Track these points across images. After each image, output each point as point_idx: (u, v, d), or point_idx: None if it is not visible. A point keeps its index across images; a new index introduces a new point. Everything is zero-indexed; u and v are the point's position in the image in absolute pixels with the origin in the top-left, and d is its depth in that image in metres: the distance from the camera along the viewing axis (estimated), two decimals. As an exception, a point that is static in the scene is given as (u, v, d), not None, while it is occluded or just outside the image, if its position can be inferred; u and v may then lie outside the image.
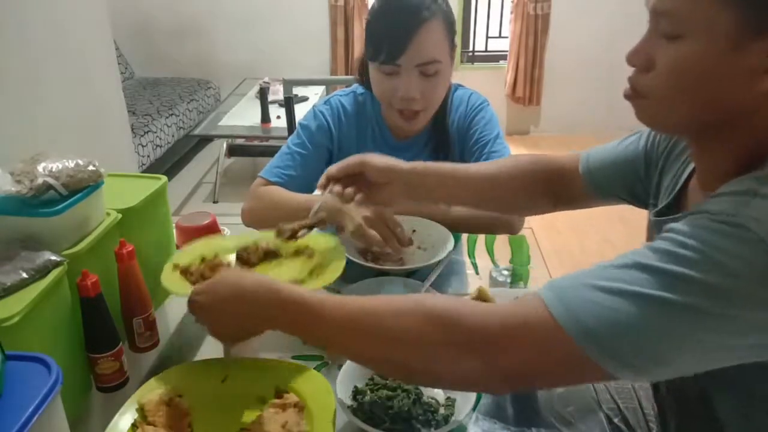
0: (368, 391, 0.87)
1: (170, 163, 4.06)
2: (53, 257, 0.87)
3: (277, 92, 3.73)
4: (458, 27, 4.58)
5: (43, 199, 0.90)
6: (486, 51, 4.85)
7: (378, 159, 1.07)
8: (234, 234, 1.32)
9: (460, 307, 0.68)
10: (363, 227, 1.15)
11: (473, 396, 0.83)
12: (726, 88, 0.68)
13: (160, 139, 3.76)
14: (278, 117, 3.66)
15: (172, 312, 1.19)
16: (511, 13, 4.51)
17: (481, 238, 1.38)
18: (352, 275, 1.17)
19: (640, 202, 0.99)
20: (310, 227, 1.08)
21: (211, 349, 1.09)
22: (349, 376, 0.88)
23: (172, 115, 3.96)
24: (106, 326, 0.92)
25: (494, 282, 1.22)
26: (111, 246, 0.99)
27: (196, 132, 3.86)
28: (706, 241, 0.60)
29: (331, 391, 0.84)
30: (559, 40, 4.55)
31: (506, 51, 4.66)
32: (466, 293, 1.12)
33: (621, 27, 4.54)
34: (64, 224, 0.92)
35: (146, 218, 1.11)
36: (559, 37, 4.54)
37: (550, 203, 1.11)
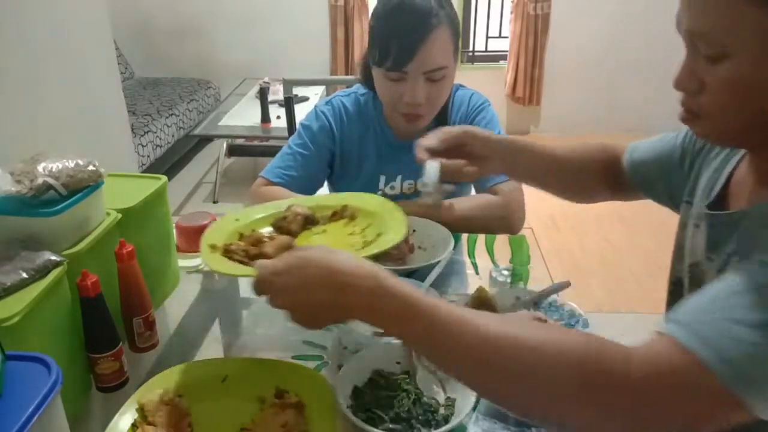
0: (368, 391, 0.87)
1: (170, 163, 4.06)
2: (53, 257, 0.87)
3: (277, 92, 3.73)
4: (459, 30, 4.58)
5: (43, 199, 0.90)
6: (486, 51, 4.85)
7: (479, 130, 1.04)
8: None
9: (594, 349, 0.61)
10: None
11: (473, 396, 0.83)
12: None
13: (160, 139, 3.76)
14: (278, 117, 3.66)
15: (172, 312, 1.19)
16: (511, 13, 4.51)
17: (481, 238, 1.38)
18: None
19: (674, 199, 1.00)
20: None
21: (211, 349, 1.09)
22: (349, 376, 0.88)
23: (172, 115, 3.96)
24: (106, 326, 0.92)
25: (494, 282, 1.21)
26: (111, 246, 0.99)
27: (196, 132, 3.86)
28: None
29: (331, 391, 0.84)
30: (559, 40, 4.55)
31: (506, 51, 4.66)
32: (466, 293, 1.12)
33: (621, 27, 4.55)
34: (64, 224, 0.92)
35: (146, 218, 1.11)
36: (559, 37, 4.54)
37: (609, 192, 1.12)
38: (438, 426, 0.81)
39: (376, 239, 0.98)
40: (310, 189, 1.41)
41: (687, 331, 0.61)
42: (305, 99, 3.90)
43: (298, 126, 1.47)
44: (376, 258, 1.24)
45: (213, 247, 0.97)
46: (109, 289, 0.95)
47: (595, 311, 1.46)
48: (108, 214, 1.02)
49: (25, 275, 0.83)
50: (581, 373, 0.60)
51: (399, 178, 1.45)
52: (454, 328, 0.63)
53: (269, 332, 1.10)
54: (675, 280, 0.97)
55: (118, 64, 3.07)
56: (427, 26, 1.22)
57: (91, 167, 0.95)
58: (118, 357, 0.94)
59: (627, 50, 4.61)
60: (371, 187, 1.45)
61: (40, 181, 0.89)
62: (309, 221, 1.06)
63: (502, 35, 4.77)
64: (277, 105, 3.76)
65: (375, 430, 0.78)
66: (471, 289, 1.11)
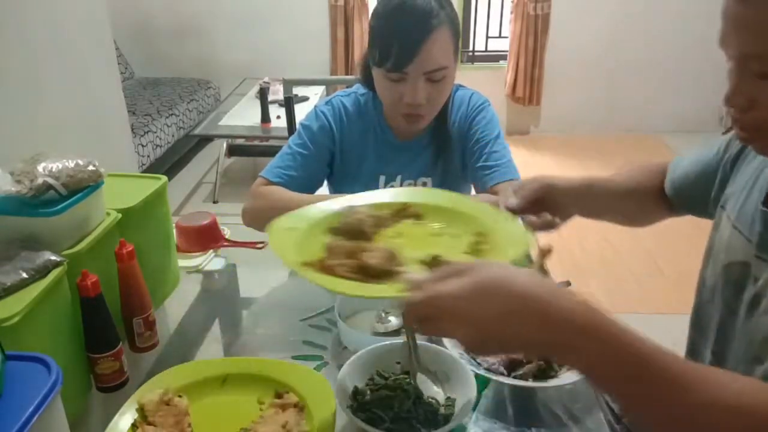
0: (368, 391, 0.86)
1: (170, 163, 4.06)
2: (53, 257, 0.87)
3: (277, 92, 3.73)
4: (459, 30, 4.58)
5: (43, 199, 0.90)
6: (486, 51, 4.85)
7: (560, 181, 1.05)
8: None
9: None
10: None
11: (473, 396, 0.83)
12: None
13: (160, 139, 3.76)
14: (278, 117, 3.66)
15: (172, 312, 1.19)
16: (511, 13, 4.51)
17: (481, 238, 1.38)
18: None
19: (712, 210, 1.03)
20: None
21: (211, 349, 1.09)
22: (349, 376, 0.88)
23: (172, 115, 3.96)
24: (106, 326, 0.92)
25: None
26: (111, 246, 0.99)
27: (196, 132, 3.86)
28: None
29: (331, 391, 0.84)
30: (559, 40, 4.55)
31: (506, 51, 4.66)
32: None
33: (621, 27, 4.55)
34: (64, 224, 0.92)
35: (146, 218, 1.11)
36: (559, 37, 4.54)
37: (667, 213, 1.15)
38: (438, 426, 0.81)
39: (481, 240, 0.88)
40: (310, 189, 1.41)
41: None
42: (305, 99, 3.90)
43: (297, 126, 1.47)
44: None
45: (308, 264, 0.82)
46: (109, 289, 0.95)
47: (595, 311, 1.46)
48: (108, 214, 1.02)
49: (25, 275, 0.83)
50: None
51: (399, 178, 1.45)
52: (695, 392, 0.56)
53: (269, 332, 1.10)
54: (704, 282, 0.99)
55: (118, 64, 3.07)
56: (428, 27, 1.22)
57: (91, 167, 0.95)
58: (118, 357, 0.94)
59: (627, 50, 4.61)
60: (371, 188, 1.44)
61: (40, 181, 0.89)
62: (378, 224, 0.95)
63: (502, 35, 4.77)
64: (277, 105, 3.75)
65: (375, 430, 0.78)
66: (471, 289, 1.11)
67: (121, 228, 1.03)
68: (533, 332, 0.58)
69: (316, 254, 0.84)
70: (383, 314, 1.07)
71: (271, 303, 1.19)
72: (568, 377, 0.89)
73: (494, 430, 0.85)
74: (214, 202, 3.80)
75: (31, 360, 0.71)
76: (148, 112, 3.85)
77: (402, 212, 0.99)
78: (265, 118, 3.64)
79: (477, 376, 0.87)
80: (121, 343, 0.95)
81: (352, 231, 0.91)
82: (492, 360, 0.89)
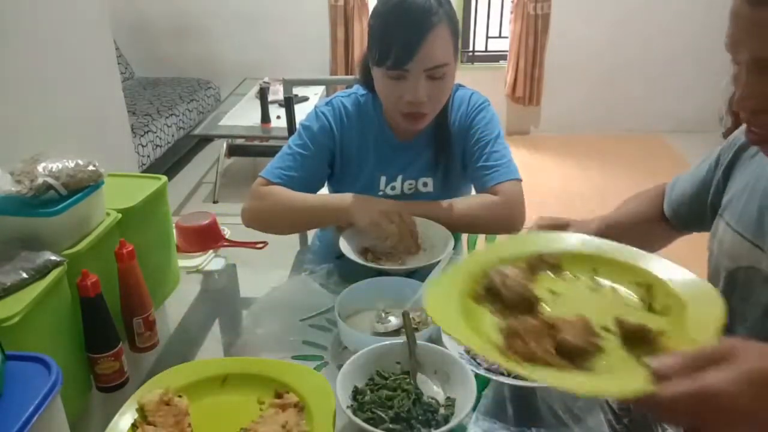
0: (368, 391, 0.86)
1: (170, 163, 4.06)
2: (53, 257, 0.87)
3: (277, 92, 3.73)
4: (459, 28, 4.58)
5: (43, 199, 0.90)
6: (486, 51, 4.85)
7: (585, 229, 1.03)
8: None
9: None
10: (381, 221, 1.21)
11: (473, 396, 0.83)
12: None
13: (160, 139, 3.76)
14: (278, 117, 3.66)
15: (172, 312, 1.19)
16: (511, 13, 4.51)
17: (481, 238, 1.38)
18: (351, 275, 1.17)
19: (710, 222, 1.04)
20: None
21: (211, 349, 1.09)
22: (349, 376, 0.88)
23: (172, 115, 3.96)
24: (106, 326, 0.92)
25: (494, 282, 1.21)
26: (111, 246, 0.99)
27: (196, 132, 3.86)
28: None
29: (331, 391, 0.84)
30: (559, 40, 4.55)
31: (506, 51, 4.66)
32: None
33: (621, 27, 4.55)
34: (64, 224, 0.92)
35: (146, 218, 1.11)
36: (559, 37, 4.54)
37: (677, 233, 1.17)
38: (438, 426, 0.81)
39: (652, 293, 0.77)
40: (311, 189, 1.41)
41: None
42: (305, 99, 3.90)
43: (298, 126, 1.47)
44: (378, 259, 1.25)
45: (505, 354, 0.69)
46: (109, 289, 0.95)
47: (595, 311, 1.46)
48: (108, 214, 1.02)
49: (25, 275, 0.83)
50: None
51: (399, 178, 1.45)
52: None
53: (269, 332, 1.10)
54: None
55: (118, 64, 3.07)
56: (428, 24, 1.22)
57: (91, 167, 0.95)
58: (118, 357, 0.94)
59: (627, 50, 4.60)
60: (372, 188, 1.45)
61: (40, 181, 0.89)
62: (527, 284, 0.81)
63: (502, 35, 4.77)
64: (277, 105, 3.75)
65: (375, 430, 0.78)
66: (471, 289, 1.11)
67: (121, 228, 1.03)
68: None
69: (489, 333, 0.73)
70: (383, 314, 1.07)
71: (271, 303, 1.19)
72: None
73: (494, 430, 0.85)
74: (214, 202, 3.80)
75: (31, 360, 0.71)
76: (148, 112, 3.85)
77: (538, 265, 0.86)
78: (265, 118, 3.64)
79: (477, 376, 0.87)
80: (121, 343, 0.95)
81: (512, 299, 0.78)
82: (492, 360, 0.87)
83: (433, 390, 0.89)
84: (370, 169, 1.45)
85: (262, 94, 3.61)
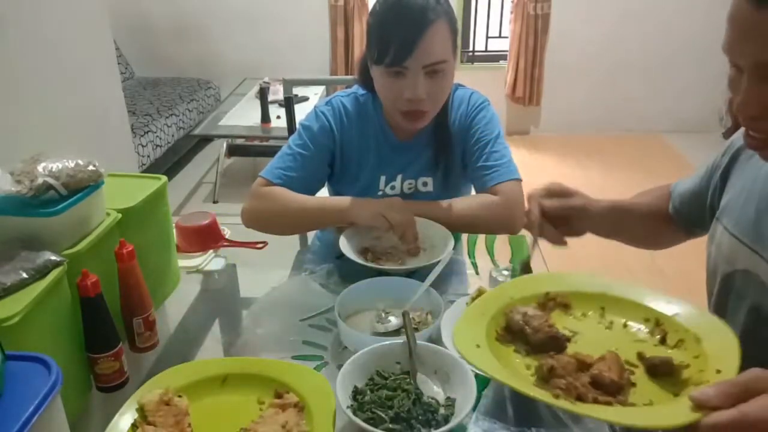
0: (368, 391, 0.86)
1: (170, 163, 4.06)
2: (53, 257, 0.87)
3: (277, 92, 3.73)
4: (458, 27, 4.58)
5: (43, 199, 0.90)
6: (486, 51, 4.85)
7: (593, 207, 1.06)
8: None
9: None
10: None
11: (473, 396, 0.83)
12: None
13: (160, 139, 3.76)
14: (278, 117, 3.66)
15: (172, 312, 1.19)
16: (511, 13, 4.51)
17: (481, 238, 1.38)
18: (351, 275, 1.17)
19: (710, 224, 1.04)
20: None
21: (211, 349, 1.09)
22: (349, 376, 0.88)
23: (172, 115, 3.96)
24: (106, 326, 0.92)
25: (494, 282, 1.21)
26: (111, 246, 0.99)
27: (196, 132, 3.86)
28: None
29: (331, 391, 0.84)
30: (559, 40, 4.55)
31: (506, 51, 4.66)
32: (466, 293, 1.12)
33: (621, 27, 4.55)
34: (64, 224, 0.92)
35: (146, 218, 1.11)
36: (559, 37, 4.54)
37: (684, 235, 1.17)
38: (438, 426, 0.81)
39: (663, 329, 0.83)
40: (311, 190, 1.41)
41: None
42: (305, 99, 3.90)
43: (297, 126, 1.47)
44: (378, 259, 1.25)
45: (556, 395, 0.71)
46: (109, 289, 0.95)
47: (595, 311, 1.46)
48: (108, 214, 1.02)
49: (25, 275, 0.83)
50: None
51: (399, 177, 1.45)
52: None
53: (269, 332, 1.10)
54: (710, 294, 1.01)
55: (118, 64, 3.07)
56: (425, 20, 1.22)
57: (91, 167, 0.95)
58: (118, 357, 0.94)
59: (627, 50, 4.61)
60: (372, 188, 1.45)
61: (40, 181, 0.89)
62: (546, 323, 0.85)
63: (502, 35, 4.77)
64: (277, 105, 3.76)
65: (375, 430, 0.78)
66: (471, 289, 1.11)
67: (121, 228, 1.03)
68: None
69: (520, 372, 0.79)
70: (383, 314, 1.07)
71: (271, 303, 1.19)
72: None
73: (494, 430, 0.85)
74: (214, 202, 3.80)
75: (31, 360, 0.71)
76: (148, 112, 3.85)
77: (548, 304, 0.91)
78: (265, 118, 3.64)
79: (477, 376, 0.87)
80: (121, 343, 0.95)
81: (539, 339, 0.82)
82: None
83: (433, 390, 0.89)
84: (370, 168, 1.44)
85: (262, 94, 3.61)
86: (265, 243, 1.35)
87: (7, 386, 0.68)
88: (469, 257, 1.34)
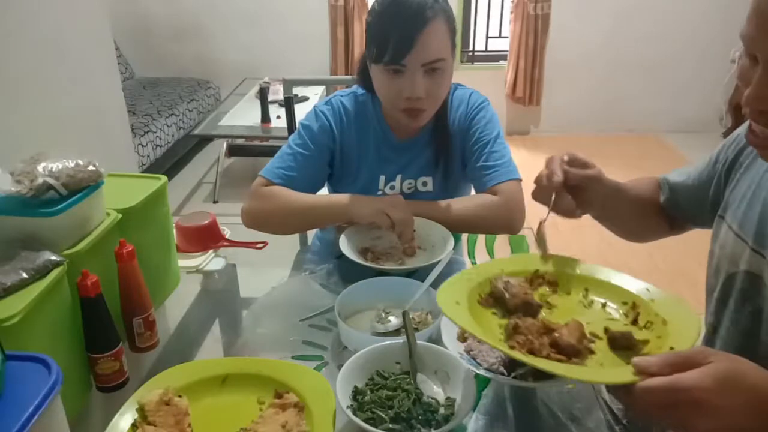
0: (368, 391, 0.86)
1: (170, 163, 4.06)
2: (53, 257, 0.87)
3: (277, 92, 3.74)
4: (458, 27, 4.57)
5: (43, 199, 0.90)
6: (486, 51, 4.85)
7: (606, 180, 1.06)
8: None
9: None
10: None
11: (473, 396, 0.83)
12: None
13: (160, 139, 3.76)
14: (278, 117, 3.66)
15: (172, 312, 1.19)
16: (511, 13, 4.51)
17: (481, 238, 1.38)
18: (351, 275, 1.17)
19: (709, 219, 1.03)
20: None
21: (211, 349, 1.09)
22: (349, 376, 0.88)
23: (172, 115, 3.96)
24: (106, 326, 0.92)
25: (494, 282, 1.21)
26: (111, 246, 0.99)
27: (196, 132, 3.86)
28: None
29: (331, 391, 0.84)
30: (559, 40, 4.55)
31: (506, 51, 4.66)
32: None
33: (621, 27, 4.55)
34: (64, 224, 0.92)
35: (146, 218, 1.11)
36: (559, 37, 4.54)
37: (667, 228, 1.17)
38: (438, 426, 0.81)
39: (638, 312, 0.88)
40: (311, 189, 1.41)
41: None
42: (305, 99, 3.90)
43: (297, 126, 1.47)
44: (378, 259, 1.25)
45: (511, 346, 0.79)
46: (109, 289, 0.95)
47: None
48: (108, 214, 1.02)
49: (25, 275, 0.83)
50: None
51: (399, 177, 1.45)
52: None
53: (269, 332, 1.10)
54: (710, 293, 1.00)
55: (118, 64, 3.07)
56: (423, 18, 1.23)
57: (91, 167, 0.95)
58: (118, 357, 0.94)
59: (627, 50, 4.61)
60: (371, 188, 1.45)
61: (40, 181, 0.89)
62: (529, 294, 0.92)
63: (502, 35, 4.77)
64: (277, 105, 3.76)
65: (375, 430, 0.78)
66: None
67: (121, 228, 1.03)
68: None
69: (494, 330, 0.85)
70: (383, 314, 1.07)
71: (271, 303, 1.19)
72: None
73: (494, 430, 0.85)
74: (214, 202, 3.80)
75: (31, 360, 0.71)
76: (148, 112, 3.85)
77: (536, 280, 0.97)
78: (265, 118, 3.64)
79: (477, 376, 0.87)
80: (121, 343, 0.95)
81: (515, 304, 0.89)
82: (492, 360, 0.89)
83: (433, 390, 0.89)
84: (370, 168, 1.44)
85: (262, 94, 3.61)
86: (265, 243, 1.35)
87: (7, 386, 0.68)
88: (469, 257, 1.34)
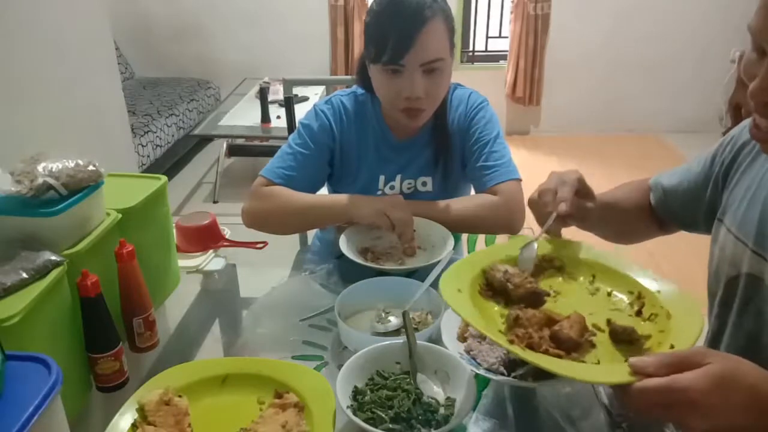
0: (368, 391, 0.86)
1: (170, 163, 4.06)
2: (53, 257, 0.87)
3: (277, 92, 3.73)
4: (458, 27, 4.58)
5: (43, 199, 0.90)
6: (486, 51, 4.85)
7: (597, 200, 1.04)
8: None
9: None
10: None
11: (473, 396, 0.83)
12: None
13: (160, 139, 3.76)
14: (278, 117, 3.66)
15: (172, 312, 1.19)
16: (511, 13, 4.51)
17: (481, 238, 1.38)
18: (351, 275, 1.17)
19: (703, 224, 1.03)
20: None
21: (211, 349, 1.09)
22: (349, 376, 0.88)
23: (172, 115, 3.96)
24: (106, 326, 0.92)
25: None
26: (111, 246, 0.99)
27: (196, 132, 3.86)
28: None
29: (331, 391, 0.84)
30: (559, 40, 4.55)
31: (506, 51, 4.66)
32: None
33: (621, 27, 4.55)
34: (64, 224, 0.92)
35: (146, 218, 1.11)
36: (559, 37, 4.54)
37: (657, 230, 1.16)
38: (438, 426, 0.81)
39: (642, 302, 0.87)
40: (311, 188, 1.41)
41: None
42: (305, 99, 3.90)
43: (297, 125, 1.47)
44: (378, 259, 1.25)
45: (510, 340, 0.78)
46: (109, 289, 0.95)
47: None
48: (108, 214, 1.02)
49: (25, 275, 0.83)
50: None
51: (398, 177, 1.45)
52: None
53: (269, 332, 1.10)
54: (712, 297, 1.00)
55: (118, 64, 3.07)
56: (422, 17, 1.23)
57: (91, 167, 0.95)
58: (118, 357, 0.94)
59: (627, 50, 4.61)
60: (371, 188, 1.45)
61: (40, 181, 0.89)
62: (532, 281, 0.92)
63: (502, 35, 4.78)
64: (277, 105, 3.76)
65: (375, 430, 0.78)
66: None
67: (121, 228, 1.03)
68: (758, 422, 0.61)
69: (495, 319, 0.85)
70: (383, 314, 1.07)
71: (271, 303, 1.19)
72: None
73: (494, 430, 0.85)
74: (214, 202, 3.80)
75: (31, 360, 0.71)
76: (148, 112, 3.85)
77: (543, 264, 0.97)
78: (265, 118, 3.64)
79: (477, 376, 0.87)
80: (121, 343, 0.95)
81: (519, 294, 0.88)
82: (492, 360, 0.89)
83: (433, 390, 0.89)
84: (369, 168, 1.44)
85: (262, 94, 3.61)
86: (265, 243, 1.35)
87: (7, 386, 0.68)
88: (469, 257, 1.34)
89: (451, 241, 1.23)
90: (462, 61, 4.79)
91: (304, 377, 0.87)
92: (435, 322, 1.00)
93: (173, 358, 1.03)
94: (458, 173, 1.46)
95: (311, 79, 3.83)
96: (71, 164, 0.93)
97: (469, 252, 1.35)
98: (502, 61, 4.76)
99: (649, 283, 0.90)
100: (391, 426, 0.80)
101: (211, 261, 1.33)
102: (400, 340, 0.92)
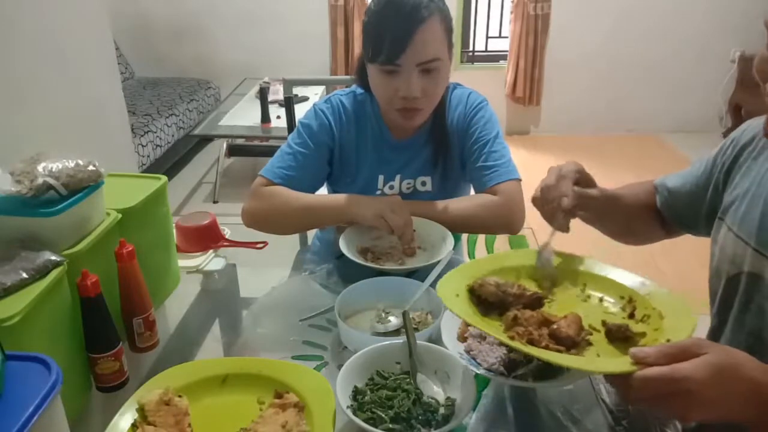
0: (368, 391, 0.86)
1: (170, 163, 4.06)
2: (53, 257, 0.87)
3: (277, 92, 3.74)
4: (458, 27, 4.58)
5: (43, 199, 0.90)
6: (486, 51, 4.85)
7: (602, 190, 1.06)
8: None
9: None
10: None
11: (473, 396, 0.83)
12: None
13: (160, 139, 3.76)
14: (278, 117, 3.66)
15: (172, 312, 1.19)
16: (511, 13, 4.51)
17: (481, 238, 1.38)
18: (351, 275, 1.17)
19: (704, 225, 1.03)
20: None
21: (211, 349, 1.09)
22: (349, 376, 0.88)
23: (172, 115, 3.96)
24: (106, 326, 0.92)
25: (494, 282, 1.21)
26: (111, 246, 0.99)
27: (196, 132, 3.86)
28: None
29: (331, 391, 0.84)
30: (559, 40, 4.55)
31: (506, 51, 4.66)
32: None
33: (621, 27, 4.56)
34: (64, 224, 0.92)
35: (146, 218, 1.11)
36: (559, 37, 4.54)
37: (663, 233, 1.17)
38: (438, 426, 0.81)
39: (634, 305, 0.90)
40: (311, 188, 1.41)
41: None
42: (305, 99, 3.90)
43: (297, 124, 1.47)
44: (378, 259, 1.25)
45: (511, 337, 0.81)
46: (109, 289, 0.95)
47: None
48: (108, 214, 1.02)
49: (25, 275, 0.83)
50: None
51: (398, 177, 1.45)
52: None
53: (269, 332, 1.10)
54: (713, 297, 1.00)
55: (118, 64, 3.07)
56: (418, 17, 1.23)
57: (91, 167, 0.95)
58: (118, 357, 0.94)
59: (627, 50, 4.61)
60: (370, 187, 1.45)
61: (40, 181, 0.89)
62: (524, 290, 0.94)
63: (502, 35, 4.78)
64: (277, 105, 3.76)
65: (375, 430, 0.78)
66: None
67: (121, 228, 1.03)
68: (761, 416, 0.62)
69: (492, 323, 0.87)
70: (383, 314, 1.07)
71: (271, 303, 1.19)
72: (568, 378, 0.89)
73: (494, 430, 0.85)
74: (214, 202, 3.80)
75: (31, 360, 0.71)
76: (148, 112, 3.85)
77: (535, 276, 0.99)
78: (265, 118, 3.65)
79: (477, 376, 0.87)
80: (121, 343, 0.95)
81: (518, 297, 0.91)
82: (492, 360, 0.89)
83: (433, 390, 0.89)
84: (368, 168, 1.44)
85: (262, 94, 3.61)
86: (265, 243, 1.35)
87: (7, 386, 0.68)
88: (469, 257, 1.34)
89: (451, 241, 1.23)
90: (462, 61, 4.79)
91: (304, 377, 0.87)
92: (435, 322, 1.00)
93: (173, 358, 1.03)
94: (457, 173, 1.46)
95: (311, 79, 3.83)
96: (71, 164, 0.93)
97: (469, 252, 1.36)
98: (502, 61, 4.76)
99: (639, 287, 0.92)
100: (391, 426, 0.80)
101: (211, 261, 1.33)
102: (400, 340, 0.92)
